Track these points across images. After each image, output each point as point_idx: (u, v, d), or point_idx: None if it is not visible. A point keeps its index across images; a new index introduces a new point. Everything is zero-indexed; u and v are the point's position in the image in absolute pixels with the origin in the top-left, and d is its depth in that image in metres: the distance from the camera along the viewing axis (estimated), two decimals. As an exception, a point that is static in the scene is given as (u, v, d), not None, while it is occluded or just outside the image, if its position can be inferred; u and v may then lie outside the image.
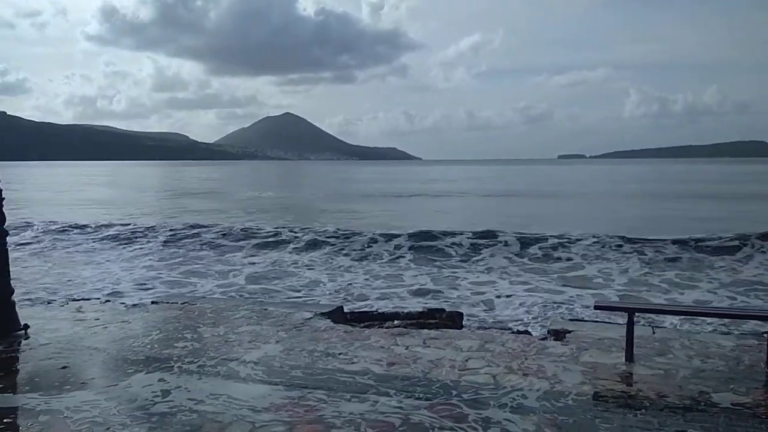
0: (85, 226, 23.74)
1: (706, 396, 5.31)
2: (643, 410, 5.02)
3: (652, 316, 9.20)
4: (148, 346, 6.85)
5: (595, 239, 18.14)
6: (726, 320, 8.74)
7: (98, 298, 9.66)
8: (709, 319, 8.79)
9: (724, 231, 19.11)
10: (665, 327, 7.82)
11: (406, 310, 10.24)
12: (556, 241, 18.42)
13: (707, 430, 4.66)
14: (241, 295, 11.65)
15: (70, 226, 23.51)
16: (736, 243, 17.33)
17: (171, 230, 22.14)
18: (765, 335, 6.50)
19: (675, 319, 9.34)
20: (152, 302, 9.38)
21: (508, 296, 12.58)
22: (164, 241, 20.64)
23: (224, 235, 21.30)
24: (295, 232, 21.17)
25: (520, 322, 10.18)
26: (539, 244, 18.17)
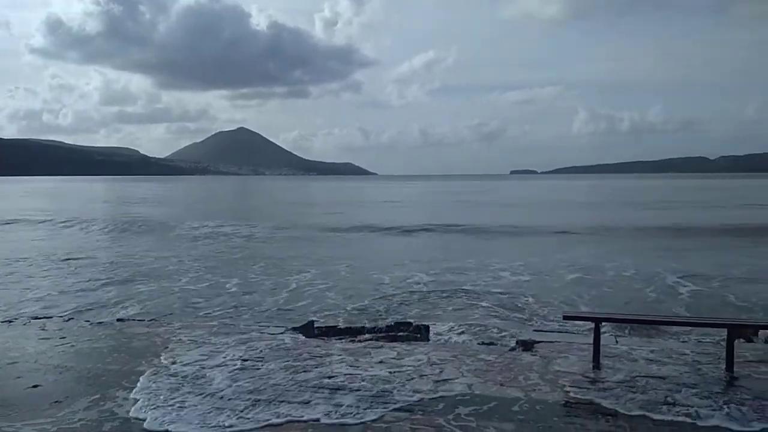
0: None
1: (671, 401, 5.56)
2: (613, 416, 5.23)
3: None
4: (117, 365, 6.75)
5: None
6: (686, 328, 9.12)
7: (60, 316, 9.44)
8: (670, 328, 9.16)
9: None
10: (627, 336, 8.11)
11: (373, 324, 10.33)
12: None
13: (674, 432, 4.89)
14: (209, 313, 11.51)
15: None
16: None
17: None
18: (722, 342, 6.83)
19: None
20: (118, 320, 9.25)
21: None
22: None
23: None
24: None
25: (486, 334, 10.35)
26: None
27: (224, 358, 6.99)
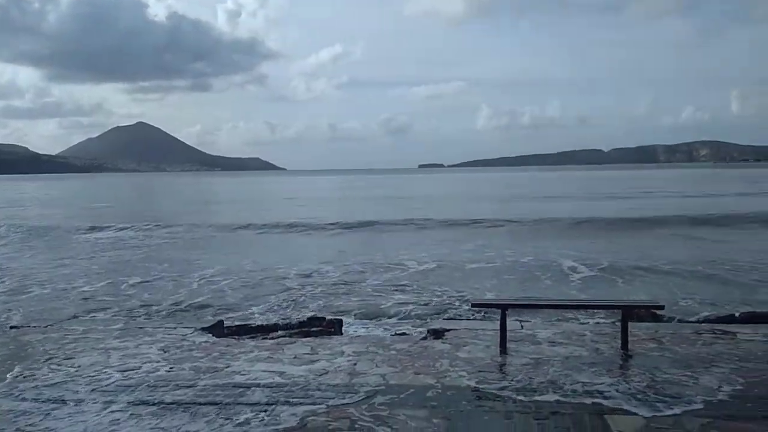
0: None
1: (572, 380, 5.86)
2: (520, 397, 5.45)
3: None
4: (14, 374, 6.34)
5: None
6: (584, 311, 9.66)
7: (-53, 326, 8.76)
8: (570, 311, 9.65)
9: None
10: (531, 320, 8.46)
11: (285, 321, 10.25)
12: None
13: (576, 408, 5.16)
14: (113, 315, 11.02)
15: None
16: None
17: None
18: (617, 323, 7.28)
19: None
20: (11, 327, 8.69)
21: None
22: None
23: None
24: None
25: (398, 325, 10.53)
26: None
27: (126, 363, 6.70)
